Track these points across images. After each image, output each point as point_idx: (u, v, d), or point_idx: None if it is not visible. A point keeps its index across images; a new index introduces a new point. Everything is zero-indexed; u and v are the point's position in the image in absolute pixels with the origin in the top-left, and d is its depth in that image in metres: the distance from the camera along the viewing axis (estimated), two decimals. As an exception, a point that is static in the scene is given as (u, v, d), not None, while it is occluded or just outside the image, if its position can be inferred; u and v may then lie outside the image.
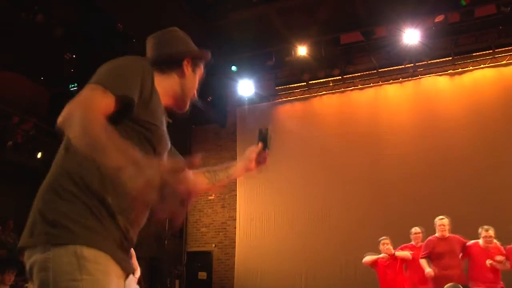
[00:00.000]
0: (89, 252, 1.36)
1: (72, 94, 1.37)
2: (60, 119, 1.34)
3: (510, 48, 11.25)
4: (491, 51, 11.30)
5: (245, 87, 12.27)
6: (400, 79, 11.89)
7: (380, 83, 12.02)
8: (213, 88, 12.74)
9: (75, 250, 1.34)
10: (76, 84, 11.09)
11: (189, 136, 13.76)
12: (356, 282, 10.47)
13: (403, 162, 11.02)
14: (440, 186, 10.43)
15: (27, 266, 1.39)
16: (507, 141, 10.43)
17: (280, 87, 12.72)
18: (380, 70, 11.95)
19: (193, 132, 13.78)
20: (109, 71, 1.52)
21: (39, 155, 11.06)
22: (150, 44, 1.84)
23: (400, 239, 9.89)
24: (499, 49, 11.27)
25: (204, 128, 13.58)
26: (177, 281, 12.38)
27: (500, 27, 11.00)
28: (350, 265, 10.66)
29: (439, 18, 10.73)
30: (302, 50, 11.20)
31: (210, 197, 12.94)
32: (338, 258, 10.85)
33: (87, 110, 1.33)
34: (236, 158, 12.65)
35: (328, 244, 10.91)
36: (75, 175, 1.42)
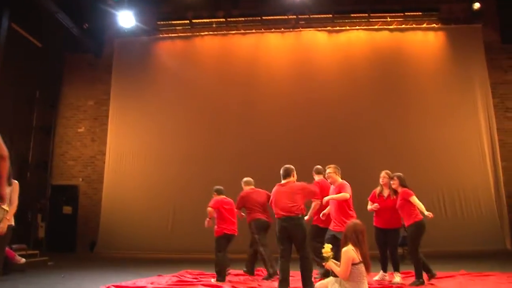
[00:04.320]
0: None
1: None
2: None
3: (383, 14, 13.31)
4: (366, 14, 13.35)
5: (126, 18, 12.57)
6: (282, 29, 13.51)
7: (263, 30, 13.48)
8: (91, 15, 13.10)
9: None
10: None
11: (62, 64, 14.13)
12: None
13: (278, 107, 12.81)
14: (311, 132, 12.45)
15: None
16: (371, 95, 12.78)
17: (162, 22, 13.52)
18: (264, 17, 13.38)
19: (66, 60, 14.14)
20: None
21: None
22: None
23: (270, 177, 11.85)
24: (374, 14, 13.28)
25: (78, 56, 13.97)
26: (39, 215, 13.09)
27: (378, -7, 13.16)
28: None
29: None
30: (187, -13, 11.92)
31: (79, 130, 13.64)
32: (206, 195, 12.47)
33: None
34: (110, 91, 13.68)
35: (197, 182, 12.20)
36: None
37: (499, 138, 12.37)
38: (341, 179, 6.44)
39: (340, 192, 6.11)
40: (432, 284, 5.98)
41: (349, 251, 4.53)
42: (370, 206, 6.71)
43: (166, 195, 12.64)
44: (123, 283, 6.08)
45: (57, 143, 13.78)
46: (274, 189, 5.87)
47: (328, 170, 6.37)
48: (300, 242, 5.56)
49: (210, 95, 13.28)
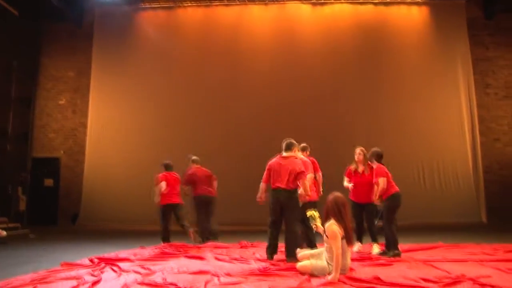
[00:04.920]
0: None
1: None
2: None
3: (368, -13, 13.40)
4: (351, -13, 13.36)
5: (106, -14, 12.23)
6: (266, 0, 13.29)
7: (246, 1, 13.26)
8: (70, -17, 12.62)
9: None
10: None
11: (40, 34, 13.72)
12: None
13: (261, 79, 12.73)
14: (293, 103, 12.43)
15: None
16: (354, 67, 12.78)
17: (144, -8, 13.08)
18: (248, -11, 13.33)
19: (44, 30, 13.72)
20: None
21: None
22: None
23: (251, 145, 11.85)
24: (359, -13, 13.31)
25: (58, 26, 13.57)
26: (20, 188, 12.93)
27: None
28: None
29: None
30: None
31: (60, 102, 13.38)
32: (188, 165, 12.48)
33: None
34: (91, 62, 13.43)
35: (179, 153, 11.85)
36: None
37: (479, 113, 12.54)
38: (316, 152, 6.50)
39: None
40: (409, 255, 6.10)
41: (332, 226, 4.58)
42: (346, 183, 6.83)
43: (148, 166, 12.28)
44: (106, 255, 6.07)
45: (37, 115, 13.53)
46: (274, 160, 5.97)
47: None
48: (290, 214, 5.71)
49: (193, 66, 13.12)
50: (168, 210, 7.91)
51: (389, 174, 6.16)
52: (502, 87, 12.77)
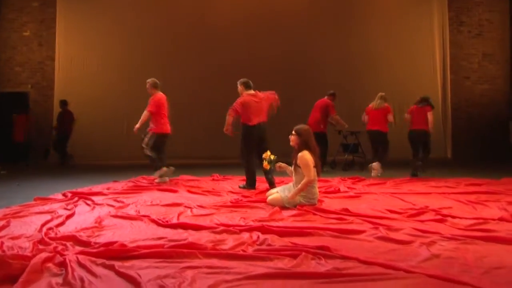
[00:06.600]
0: None
1: None
2: None
3: None
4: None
5: None
6: None
7: None
8: None
9: None
10: None
11: None
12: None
13: (235, 19, 12.43)
14: (269, 48, 12.19)
15: None
16: (325, 4, 12.59)
17: None
18: None
19: None
20: None
21: None
22: None
23: (222, 83, 11.74)
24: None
25: None
26: None
27: None
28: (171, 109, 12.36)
29: None
30: None
31: (25, 34, 12.68)
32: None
33: None
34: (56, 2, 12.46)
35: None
36: None
37: (451, 51, 12.59)
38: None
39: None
40: (377, 188, 6.33)
41: (307, 154, 4.73)
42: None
43: (120, 100, 12.18)
44: (79, 189, 6.06)
45: (1, 48, 12.85)
46: (245, 99, 6.18)
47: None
48: (267, 145, 6.01)
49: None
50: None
51: (415, 114, 8.17)
52: (476, 25, 12.75)
